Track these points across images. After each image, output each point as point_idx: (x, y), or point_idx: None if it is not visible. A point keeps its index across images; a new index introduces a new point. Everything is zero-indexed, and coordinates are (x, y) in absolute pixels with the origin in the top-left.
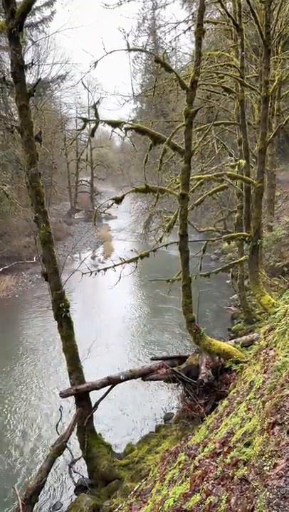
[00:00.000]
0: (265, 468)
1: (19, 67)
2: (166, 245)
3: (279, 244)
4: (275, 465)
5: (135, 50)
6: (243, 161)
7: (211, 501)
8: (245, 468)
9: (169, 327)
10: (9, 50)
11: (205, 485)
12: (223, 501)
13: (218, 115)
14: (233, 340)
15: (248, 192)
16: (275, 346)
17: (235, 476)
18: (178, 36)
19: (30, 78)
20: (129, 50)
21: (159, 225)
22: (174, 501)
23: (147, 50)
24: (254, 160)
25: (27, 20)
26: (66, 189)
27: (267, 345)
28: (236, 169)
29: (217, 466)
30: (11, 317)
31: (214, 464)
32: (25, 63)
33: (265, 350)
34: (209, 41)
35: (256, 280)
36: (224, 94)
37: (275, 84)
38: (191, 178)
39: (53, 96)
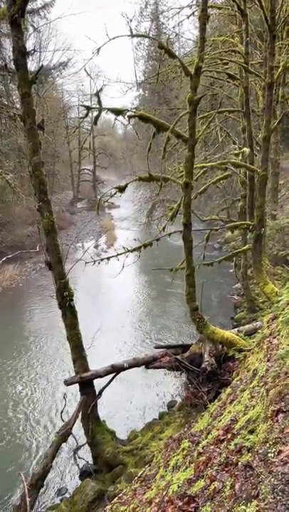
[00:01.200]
0: (269, 455)
1: (21, 54)
2: (170, 234)
3: (283, 233)
4: (280, 452)
5: (138, 36)
6: (246, 149)
7: (215, 487)
8: (250, 454)
9: (172, 316)
10: (11, 36)
11: (209, 471)
12: (228, 487)
13: (222, 102)
14: (236, 329)
15: (251, 180)
16: (278, 335)
17: (240, 463)
18: (181, 21)
19: (32, 65)
20: (132, 36)
21: (163, 214)
22: (178, 487)
23: (150, 36)
24: (258, 148)
25: (28, 6)
26: (69, 178)
27: (270, 334)
28: (240, 157)
29: (221, 453)
30: (14, 306)
31: (218, 450)
32: (27, 50)
33: (268, 339)
34: (213, 27)
35: (259, 269)
36: (228, 81)
37: (280, 70)
38: (194, 166)
39: (55, 83)
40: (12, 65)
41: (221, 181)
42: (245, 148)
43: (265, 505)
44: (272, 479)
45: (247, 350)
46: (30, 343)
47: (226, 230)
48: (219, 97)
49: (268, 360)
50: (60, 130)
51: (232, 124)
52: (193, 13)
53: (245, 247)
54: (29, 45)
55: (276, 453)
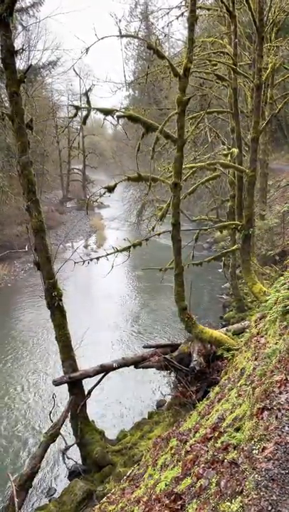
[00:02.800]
0: (254, 451)
1: (9, 53)
2: (159, 234)
3: (271, 233)
4: (264, 448)
5: (127, 36)
6: (235, 150)
7: (201, 484)
8: (235, 452)
9: (161, 315)
10: None
11: (196, 469)
12: (214, 484)
13: (211, 103)
14: (224, 328)
15: (240, 181)
16: (265, 334)
17: (226, 460)
18: (171, 22)
19: (20, 64)
20: (121, 36)
21: (152, 214)
22: (166, 485)
23: (139, 36)
24: (247, 149)
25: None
26: (58, 177)
27: (258, 333)
28: (229, 158)
29: (208, 451)
30: (3, 306)
31: (205, 448)
32: (16, 49)
33: (256, 338)
34: (202, 27)
35: (248, 269)
36: (217, 82)
37: (268, 72)
38: (183, 166)
39: (44, 83)
40: (0, 64)
41: (210, 181)
42: (234, 149)
43: (249, 501)
44: (257, 475)
45: (235, 349)
46: (18, 343)
47: (215, 229)
48: (208, 97)
49: (256, 359)
50: (49, 129)
51: (221, 124)
52: (182, 14)
53: (234, 247)
54: (18, 43)
55: (261, 450)
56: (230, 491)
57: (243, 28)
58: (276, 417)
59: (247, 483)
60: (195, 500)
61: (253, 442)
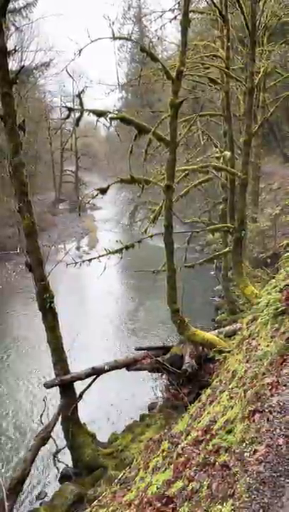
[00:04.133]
0: (245, 454)
1: (2, 54)
2: (151, 236)
3: (262, 235)
4: (255, 451)
5: (120, 38)
6: (228, 153)
7: (193, 487)
8: (227, 454)
9: (153, 317)
10: None
11: (187, 472)
12: (205, 487)
13: (203, 106)
14: (216, 331)
15: (232, 183)
16: (257, 336)
17: (217, 463)
18: (164, 25)
19: (13, 65)
20: (114, 38)
21: (145, 216)
22: (158, 488)
23: (133, 38)
24: (239, 152)
25: (10, 5)
26: (50, 179)
27: (249, 335)
28: (221, 161)
29: (199, 453)
30: None
31: (197, 451)
32: (8, 50)
33: (247, 340)
34: (195, 31)
35: (240, 271)
36: (210, 85)
37: (260, 75)
38: (176, 169)
39: (36, 84)
40: None
41: (203, 184)
42: (226, 152)
43: (241, 504)
44: (248, 478)
45: (227, 351)
46: (9, 345)
47: (208, 232)
48: (201, 100)
49: (247, 362)
50: (42, 131)
51: (213, 127)
52: (175, 17)
53: (226, 250)
54: (10, 44)
55: (252, 452)
56: (221, 494)
57: (235, 31)
58: (267, 419)
59: (238, 486)
60: (186, 503)
61: (244, 445)
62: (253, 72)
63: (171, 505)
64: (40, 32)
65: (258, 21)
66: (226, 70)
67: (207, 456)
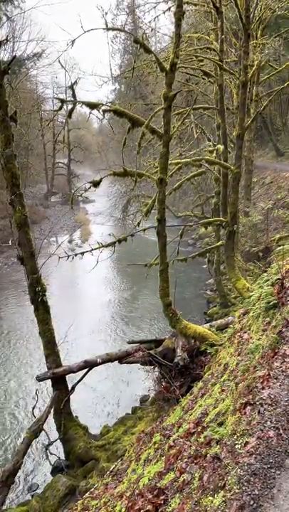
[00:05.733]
0: (236, 446)
1: None
2: (144, 230)
3: (255, 229)
4: (246, 443)
5: (113, 29)
6: (221, 147)
7: (184, 479)
8: (218, 446)
9: (145, 311)
10: None
11: (179, 463)
12: (196, 478)
13: (197, 99)
14: (208, 324)
15: (225, 177)
16: (248, 329)
17: (208, 455)
18: (157, 16)
19: (4, 55)
20: (108, 29)
21: (138, 210)
22: (149, 480)
23: (126, 30)
24: (232, 145)
25: None
26: (42, 171)
27: (241, 329)
28: (214, 154)
29: (191, 446)
30: None
31: (188, 443)
32: (0, 39)
33: (239, 334)
34: (189, 23)
35: (232, 265)
36: (203, 78)
37: (254, 69)
38: (169, 162)
39: (28, 75)
40: None
41: (196, 178)
42: (219, 146)
43: (232, 495)
44: (239, 470)
45: (219, 344)
46: (1, 338)
47: (200, 226)
48: (194, 93)
49: (239, 355)
50: (34, 122)
51: (207, 121)
52: (169, 9)
53: (218, 244)
54: (2, 34)
55: (243, 444)
56: (212, 486)
57: (229, 24)
58: (259, 412)
59: (229, 477)
60: (178, 494)
61: (235, 437)
62: (246, 65)
63: (162, 497)
64: (33, 22)
65: (251, 14)
66: (220, 63)
67: (198, 448)
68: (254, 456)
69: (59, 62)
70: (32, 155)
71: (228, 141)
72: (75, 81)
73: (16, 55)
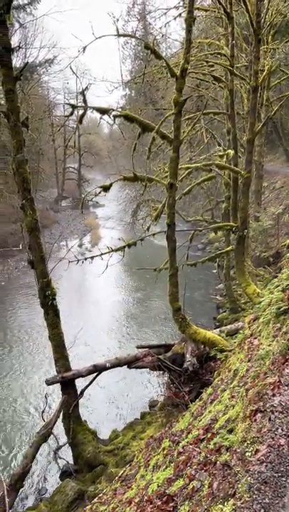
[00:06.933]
0: (247, 454)
1: (6, 50)
2: (154, 234)
3: (265, 234)
4: (257, 451)
5: (125, 35)
6: (231, 151)
7: (193, 486)
8: (228, 454)
9: (155, 315)
10: None
11: (188, 470)
12: (206, 486)
13: (207, 104)
14: (218, 329)
15: (235, 182)
16: (259, 335)
17: (218, 462)
18: (168, 22)
19: (17, 62)
20: (119, 35)
21: (147, 214)
22: (158, 486)
23: (137, 36)
24: (242, 150)
25: (14, 2)
26: (53, 176)
27: (251, 335)
28: (224, 159)
29: (200, 452)
30: None
31: (198, 449)
32: (12, 46)
33: (249, 339)
34: (200, 28)
35: (242, 270)
36: (214, 83)
37: (264, 74)
38: (179, 167)
39: (40, 81)
40: None
41: (206, 182)
42: (229, 150)
43: (242, 503)
44: (249, 478)
45: (228, 350)
46: (11, 342)
47: (210, 230)
48: (205, 98)
49: (249, 361)
50: (45, 128)
51: (217, 125)
52: (180, 15)
53: (228, 248)
54: (14, 41)
55: (253, 452)
56: (222, 494)
57: (240, 29)
58: (269, 419)
59: (240, 485)
60: (187, 502)
61: (245, 444)
62: (257, 70)
63: (171, 504)
64: (45, 29)
65: (262, 19)
66: (230, 68)
67: (208, 455)
68: (265, 464)
69: (70, 68)
70: (43, 160)
71: (239, 145)
72: (86, 87)
73: (28, 62)
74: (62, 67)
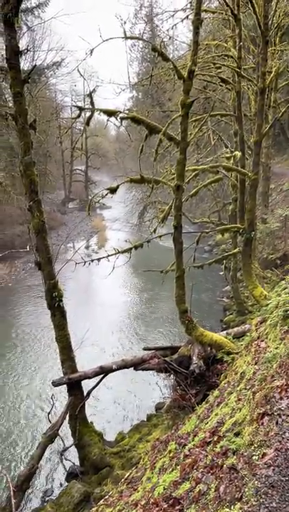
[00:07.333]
0: (254, 457)
1: (14, 53)
2: (160, 236)
3: (272, 236)
4: (264, 455)
5: (132, 38)
6: (238, 153)
7: (200, 489)
8: (235, 457)
9: (161, 317)
10: (4, 35)
11: (195, 473)
12: (212, 489)
13: (214, 106)
14: (225, 332)
15: (242, 184)
16: (266, 338)
17: (225, 465)
18: (175, 25)
19: (25, 64)
20: (126, 38)
21: (154, 216)
22: (164, 489)
23: (144, 38)
24: (250, 152)
25: (23, 5)
26: (60, 178)
27: (258, 337)
28: (232, 161)
29: (207, 455)
30: (3, 306)
31: (204, 452)
32: (20, 49)
33: (256, 342)
34: (207, 30)
35: (249, 272)
36: (221, 85)
37: (272, 75)
38: (186, 169)
39: (48, 83)
40: (5, 64)
41: (213, 184)
42: (236, 152)
43: (249, 507)
44: (256, 482)
45: (235, 352)
46: (18, 343)
47: (217, 232)
48: (212, 100)
49: (256, 363)
50: (52, 130)
51: (224, 127)
52: (187, 17)
53: (235, 250)
54: (23, 44)
55: (261, 456)
56: (229, 497)
57: (247, 31)
58: (276, 422)
59: (246, 489)
60: (193, 505)
61: (252, 448)
62: (264, 71)
63: (178, 507)
64: (52, 32)
65: (270, 21)
66: (238, 70)
67: (215, 458)
68: (272, 468)
69: (78, 70)
70: (50, 162)
71: (246, 147)
72: (94, 89)
73: (36, 65)
74: (70, 70)
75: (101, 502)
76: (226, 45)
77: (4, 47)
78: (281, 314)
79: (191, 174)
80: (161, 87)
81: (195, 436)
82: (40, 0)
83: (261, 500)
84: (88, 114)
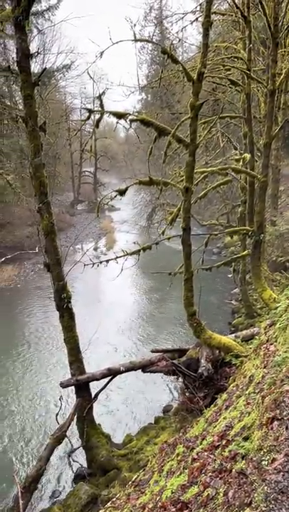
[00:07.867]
0: (263, 462)
1: (24, 56)
2: (169, 238)
3: (282, 239)
4: (274, 460)
5: (141, 40)
6: (247, 155)
7: (208, 494)
8: (244, 462)
9: (169, 319)
10: (15, 38)
11: (203, 477)
12: (221, 494)
13: (223, 108)
14: (233, 335)
15: (252, 186)
16: (275, 341)
17: (233, 470)
18: (185, 27)
19: (35, 67)
20: (136, 40)
21: (162, 218)
22: (172, 492)
23: (154, 40)
24: (259, 154)
25: (33, 8)
26: (69, 180)
27: (267, 340)
28: (241, 163)
29: (215, 459)
30: (12, 307)
31: (212, 456)
32: (31, 52)
33: (265, 345)
34: (216, 32)
35: (258, 275)
36: (230, 87)
37: (282, 77)
38: (195, 171)
39: (57, 86)
40: (15, 67)
41: (222, 186)
42: (246, 154)
43: None
44: (266, 487)
45: (244, 356)
46: (26, 344)
47: (226, 235)
48: (221, 102)
49: (265, 367)
50: (62, 132)
51: (233, 129)
52: (196, 19)
53: (244, 253)
54: (33, 47)
55: (270, 461)
56: (238, 502)
57: (257, 33)
58: (287, 427)
59: (256, 495)
60: (202, 509)
61: (262, 453)
62: (274, 73)
63: (186, 511)
64: (62, 34)
65: (280, 22)
66: (247, 72)
67: (223, 462)
68: (282, 473)
69: (88, 73)
70: (59, 164)
71: (255, 149)
72: (103, 91)
73: (46, 67)
74: (80, 72)
75: (108, 504)
76: (235, 47)
77: (15, 50)
78: None
79: (200, 176)
80: (170, 89)
81: (203, 439)
82: (50, 3)
83: (271, 506)
84: (98, 116)
